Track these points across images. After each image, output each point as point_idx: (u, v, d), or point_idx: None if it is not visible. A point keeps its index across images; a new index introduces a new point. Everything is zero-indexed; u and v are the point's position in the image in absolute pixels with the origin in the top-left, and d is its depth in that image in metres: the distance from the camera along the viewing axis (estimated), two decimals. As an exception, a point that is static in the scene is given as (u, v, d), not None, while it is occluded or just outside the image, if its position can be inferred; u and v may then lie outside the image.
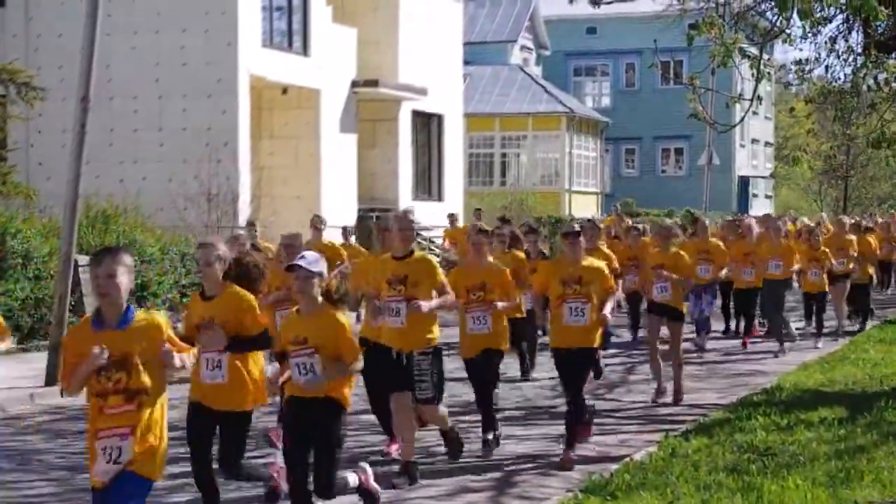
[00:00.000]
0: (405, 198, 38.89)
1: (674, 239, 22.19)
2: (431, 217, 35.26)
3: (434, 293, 11.78)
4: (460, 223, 34.65)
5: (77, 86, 18.55)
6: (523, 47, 62.00)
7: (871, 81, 18.14)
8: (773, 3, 15.98)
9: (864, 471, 11.33)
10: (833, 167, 63.64)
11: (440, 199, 41.03)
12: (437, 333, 11.83)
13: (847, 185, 65.52)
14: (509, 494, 11.43)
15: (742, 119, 17.48)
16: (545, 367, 17.58)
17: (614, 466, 11.95)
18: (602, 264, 13.19)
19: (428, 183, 41.36)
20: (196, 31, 31.43)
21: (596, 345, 12.98)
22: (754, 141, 70.37)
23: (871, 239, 27.92)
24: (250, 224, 20.63)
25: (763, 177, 71.74)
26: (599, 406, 16.32)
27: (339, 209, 34.38)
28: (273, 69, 32.74)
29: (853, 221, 31.76)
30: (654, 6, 22.97)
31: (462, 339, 13.44)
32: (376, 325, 12.14)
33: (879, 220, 39.08)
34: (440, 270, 11.92)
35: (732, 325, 24.33)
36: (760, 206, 67.29)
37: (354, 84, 36.42)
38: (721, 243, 22.49)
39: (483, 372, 13.37)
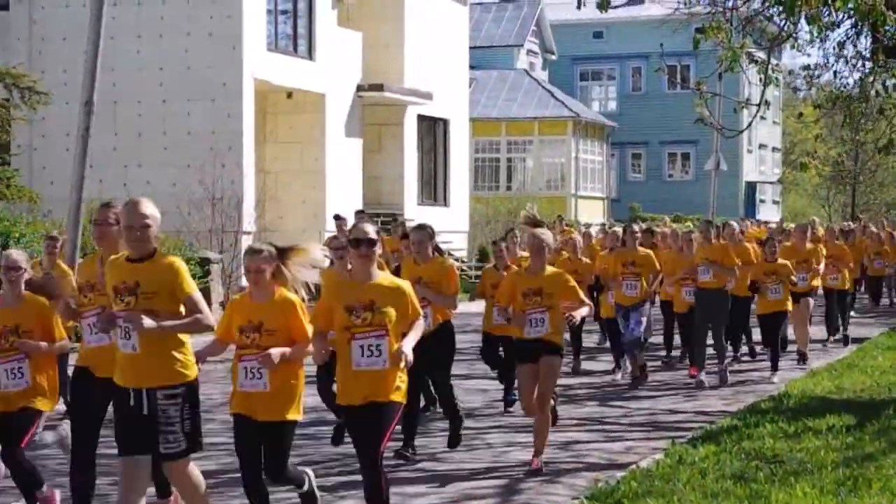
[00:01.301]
0: (410, 203, 38.81)
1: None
2: (438, 223, 35.06)
3: (183, 310, 8.86)
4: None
5: (81, 89, 18.42)
6: (529, 52, 61.93)
7: (880, 87, 18.03)
8: (780, 8, 15.88)
9: (872, 479, 11.22)
10: (841, 173, 63.52)
11: (446, 204, 40.95)
12: (191, 364, 9.01)
13: (855, 191, 65.39)
14: (514, 502, 11.31)
15: (749, 124, 17.37)
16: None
17: (620, 474, 11.83)
18: (400, 283, 9.79)
19: (433, 188, 41.27)
20: (200, 35, 31.35)
21: (399, 398, 9.32)
22: (762, 146, 70.25)
23: (846, 246, 24.81)
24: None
25: (771, 182, 71.62)
26: (606, 412, 16.23)
27: (344, 214, 34.25)
28: (278, 73, 32.66)
29: (840, 227, 30.32)
30: (661, 10, 22.89)
31: (233, 394, 9.59)
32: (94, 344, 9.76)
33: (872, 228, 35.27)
34: (189, 279, 9.06)
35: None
36: (768, 212, 67.18)
37: (360, 88, 36.34)
38: (652, 253, 18.97)
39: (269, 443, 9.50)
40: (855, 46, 18.25)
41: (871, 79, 17.68)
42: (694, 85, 15.66)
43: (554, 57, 64.27)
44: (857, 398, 16.47)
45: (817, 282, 21.30)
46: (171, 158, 31.30)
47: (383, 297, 9.27)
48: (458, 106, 41.99)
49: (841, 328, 23.91)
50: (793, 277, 19.39)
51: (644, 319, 18.31)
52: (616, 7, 16.36)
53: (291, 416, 9.38)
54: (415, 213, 38.04)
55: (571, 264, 18.13)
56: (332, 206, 34.28)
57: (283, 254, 9.54)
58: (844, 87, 18.88)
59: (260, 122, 33.59)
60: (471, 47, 45.04)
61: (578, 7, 18.52)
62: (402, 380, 9.25)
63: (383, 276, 9.57)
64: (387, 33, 37.64)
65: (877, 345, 23.12)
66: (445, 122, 41.39)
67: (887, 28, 15.78)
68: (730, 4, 17.51)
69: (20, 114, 26.81)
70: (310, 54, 34.31)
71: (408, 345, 9.19)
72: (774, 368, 19.11)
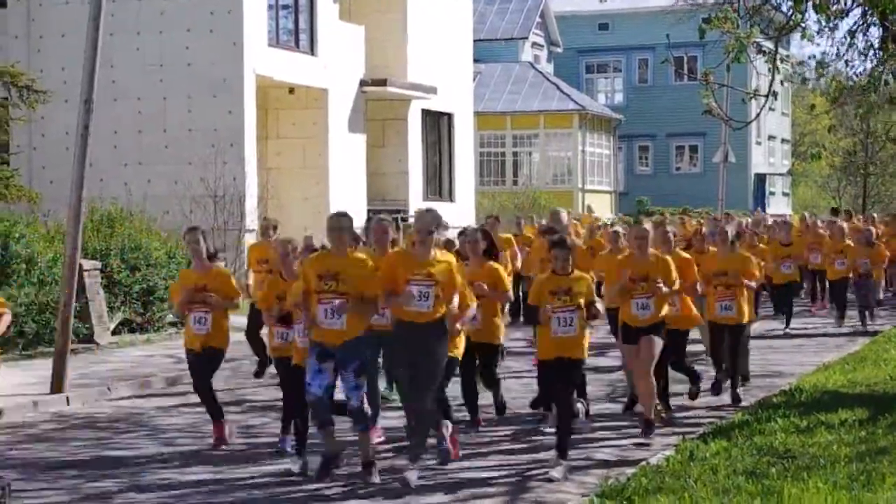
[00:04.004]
0: (416, 198, 38.61)
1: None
2: (443, 218, 34.86)
3: None
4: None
5: (80, 87, 18.31)
6: (534, 44, 61.70)
7: (889, 77, 17.79)
8: (787, -4, 15.69)
9: (886, 473, 11.11)
10: (852, 163, 63.20)
11: (451, 199, 40.72)
12: None
13: (866, 182, 65.01)
14: (524, 500, 11.29)
15: (758, 115, 17.23)
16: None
17: (631, 470, 11.80)
18: None
19: (438, 183, 41.06)
20: (201, 31, 31.13)
21: None
22: (771, 137, 69.96)
23: (749, 254, 17.55)
24: None
25: (780, 174, 71.32)
26: (616, 409, 16.00)
27: (349, 210, 33.98)
28: (279, 69, 32.46)
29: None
30: (666, 0, 22.66)
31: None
32: None
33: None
34: None
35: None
36: (777, 204, 66.91)
37: (363, 83, 36.14)
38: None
39: None
40: (865, 35, 18.02)
41: (882, 68, 17.48)
42: (701, 76, 15.45)
43: (559, 49, 64.04)
44: (870, 392, 16.34)
45: (666, 310, 14.11)
46: (173, 156, 31.10)
47: None
48: (462, 100, 41.78)
49: (733, 382, 16.26)
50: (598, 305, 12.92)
51: (364, 380, 11.90)
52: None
53: None
54: (420, 208, 37.83)
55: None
56: (336, 202, 34.06)
57: None
58: (857, 76, 18.65)
59: (262, 119, 33.39)
60: (475, 40, 44.80)
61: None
62: None
63: None
64: (389, 27, 37.42)
65: (889, 338, 22.88)
66: (450, 117, 41.18)
67: (896, 16, 15.58)
68: (736, -7, 17.32)
69: (19, 113, 26.58)
70: (312, 49, 34.10)
71: None
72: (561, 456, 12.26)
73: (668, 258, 14.29)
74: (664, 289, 13.87)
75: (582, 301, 12.46)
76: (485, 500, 11.21)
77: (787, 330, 24.87)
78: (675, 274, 14.10)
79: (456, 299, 12.04)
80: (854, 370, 18.40)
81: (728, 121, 18.76)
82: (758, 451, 12.35)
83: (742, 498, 10.42)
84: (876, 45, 17.75)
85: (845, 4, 16.06)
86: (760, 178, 67.41)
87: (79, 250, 18.31)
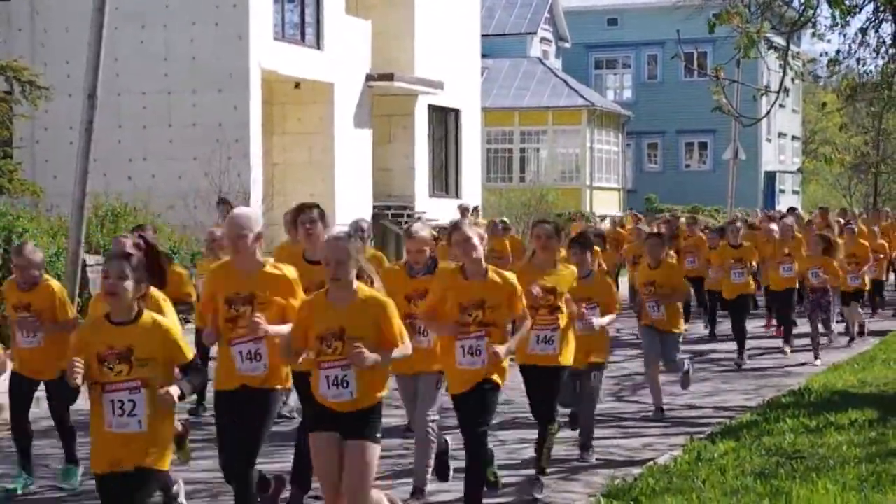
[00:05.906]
0: (422, 195, 38.48)
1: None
2: (449, 215, 34.73)
3: None
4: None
5: (84, 81, 18.21)
6: (543, 39, 61.50)
7: (901, 73, 17.67)
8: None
9: (896, 475, 11.02)
10: (864, 162, 62.85)
11: (458, 195, 40.56)
12: None
13: (877, 180, 64.66)
14: (531, 499, 11.21)
15: (768, 112, 17.09)
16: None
17: (638, 470, 11.74)
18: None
19: (445, 179, 40.93)
20: (206, 24, 30.99)
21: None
22: (781, 135, 69.76)
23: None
24: None
25: (790, 171, 71.06)
26: (623, 408, 15.85)
27: (354, 206, 33.93)
28: (285, 63, 32.31)
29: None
30: (676, -6, 22.49)
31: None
32: None
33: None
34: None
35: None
36: (788, 202, 66.67)
37: (369, 78, 35.99)
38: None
39: None
40: (877, 32, 17.87)
41: (894, 65, 17.36)
42: (711, 72, 15.31)
43: (568, 45, 63.85)
44: (881, 392, 16.24)
45: (438, 365, 10.51)
46: (177, 151, 30.98)
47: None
48: (469, 95, 41.63)
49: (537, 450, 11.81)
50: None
51: None
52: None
53: None
54: (426, 205, 37.72)
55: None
56: (342, 198, 33.95)
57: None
58: (867, 74, 18.50)
59: (267, 114, 33.24)
60: (482, 35, 44.64)
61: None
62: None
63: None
64: (396, 21, 37.28)
65: (900, 338, 22.74)
66: (457, 112, 41.04)
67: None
68: (747, -12, 17.17)
69: (22, 108, 26.45)
70: (318, 43, 33.94)
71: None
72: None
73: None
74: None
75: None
76: (492, 499, 11.07)
77: (741, 361, 19.76)
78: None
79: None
80: (864, 370, 18.32)
81: (738, 117, 18.56)
82: (767, 451, 12.27)
83: (751, 499, 10.35)
84: (888, 42, 17.62)
85: (858, 0, 15.93)
86: (770, 176, 67.20)
87: (82, 245, 18.27)
